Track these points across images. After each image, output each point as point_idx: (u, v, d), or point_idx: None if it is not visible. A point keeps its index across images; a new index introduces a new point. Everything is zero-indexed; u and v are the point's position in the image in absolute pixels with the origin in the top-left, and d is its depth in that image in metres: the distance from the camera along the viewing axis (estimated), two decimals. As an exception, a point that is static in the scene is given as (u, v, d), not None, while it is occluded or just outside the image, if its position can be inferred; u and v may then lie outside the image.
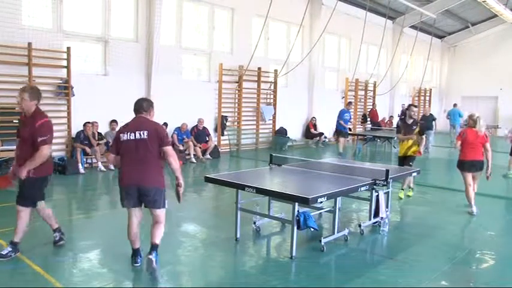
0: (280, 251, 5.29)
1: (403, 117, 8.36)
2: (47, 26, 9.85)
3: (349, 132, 15.44)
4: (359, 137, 17.14)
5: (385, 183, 5.48)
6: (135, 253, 4.50)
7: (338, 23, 16.42)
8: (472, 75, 25.52)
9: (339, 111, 14.29)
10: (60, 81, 10.00)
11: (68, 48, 9.95)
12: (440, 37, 26.12)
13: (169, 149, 4.40)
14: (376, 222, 5.92)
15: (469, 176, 7.00)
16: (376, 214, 5.87)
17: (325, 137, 16.88)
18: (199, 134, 12.48)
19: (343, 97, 18.25)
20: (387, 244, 5.62)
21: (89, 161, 10.37)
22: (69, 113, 10.14)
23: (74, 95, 10.11)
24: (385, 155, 14.26)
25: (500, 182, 10.18)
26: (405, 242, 5.65)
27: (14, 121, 8.31)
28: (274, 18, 14.86)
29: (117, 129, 11.11)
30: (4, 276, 4.23)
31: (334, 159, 9.49)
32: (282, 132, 15.66)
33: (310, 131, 16.76)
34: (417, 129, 7.78)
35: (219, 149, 13.15)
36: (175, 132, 11.98)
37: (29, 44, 9.34)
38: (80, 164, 9.76)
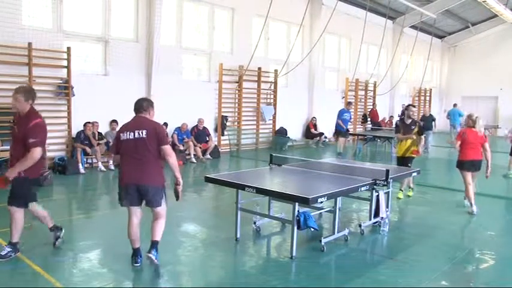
0: (281, 251, 5.29)
1: (402, 117, 8.34)
2: (47, 26, 9.85)
3: (349, 132, 15.46)
4: (359, 137, 17.14)
5: (385, 183, 5.47)
6: (135, 253, 4.51)
7: (338, 23, 16.42)
8: (472, 75, 25.52)
9: (338, 111, 14.31)
10: (60, 81, 10.00)
11: (68, 48, 9.95)
12: (441, 37, 26.12)
13: (167, 148, 4.42)
14: (376, 222, 5.92)
15: (469, 176, 7.04)
16: (376, 214, 5.87)
17: (325, 137, 16.88)
18: (199, 134, 12.48)
19: (343, 97, 18.26)
20: (387, 244, 5.62)
21: (89, 161, 10.37)
22: (69, 113, 10.14)
23: (74, 95, 10.11)
24: (385, 155, 14.25)
25: (500, 182, 10.18)
26: (405, 242, 5.65)
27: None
28: (274, 18, 14.86)
29: (118, 129, 11.18)
30: (4, 276, 4.23)
31: (334, 159, 9.51)
32: (282, 132, 15.66)
33: (310, 131, 16.76)
34: (416, 129, 7.77)
35: (219, 149, 13.15)
36: (176, 132, 11.99)
37: (29, 44, 9.34)
38: (80, 164, 9.76)
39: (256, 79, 14.77)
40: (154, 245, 4.47)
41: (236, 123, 14.41)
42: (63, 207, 7.36)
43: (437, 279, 4.42)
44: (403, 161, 7.72)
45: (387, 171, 5.41)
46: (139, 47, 11.45)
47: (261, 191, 4.93)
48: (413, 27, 20.85)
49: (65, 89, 10.01)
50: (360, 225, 5.82)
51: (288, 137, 15.50)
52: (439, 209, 7.39)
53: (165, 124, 10.90)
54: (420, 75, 22.51)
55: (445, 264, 4.84)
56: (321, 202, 4.72)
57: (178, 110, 12.04)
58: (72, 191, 8.47)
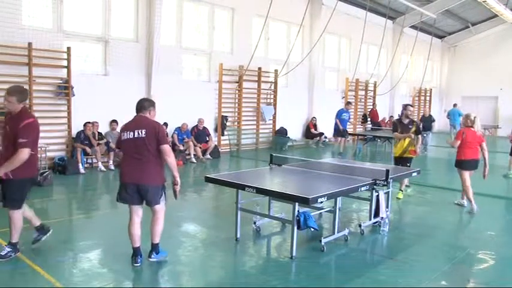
0: (281, 251, 5.29)
1: (400, 116, 8.32)
2: (47, 26, 9.85)
3: (348, 132, 15.45)
4: (359, 137, 17.14)
5: (385, 183, 5.47)
6: (135, 252, 4.52)
7: (338, 23, 16.42)
8: (472, 75, 25.51)
9: (337, 111, 14.31)
10: (60, 81, 10.00)
11: (68, 48, 9.95)
12: (441, 37, 26.12)
13: (166, 147, 4.43)
14: (376, 222, 5.92)
15: (468, 175, 7.13)
16: (376, 214, 5.87)
17: (326, 137, 16.87)
18: (199, 134, 12.48)
19: (344, 97, 18.26)
20: (387, 244, 5.62)
21: (89, 161, 10.37)
22: (69, 113, 10.14)
23: (74, 95, 10.11)
24: (385, 155, 14.24)
25: (500, 182, 10.19)
26: (405, 242, 5.65)
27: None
28: (275, 18, 14.86)
29: (118, 129, 11.23)
30: (4, 276, 4.23)
31: (334, 159, 9.51)
32: (282, 132, 15.66)
33: (310, 131, 16.76)
34: (413, 129, 7.76)
35: (219, 149, 13.15)
36: (176, 132, 11.99)
37: (29, 44, 9.34)
38: (80, 164, 9.76)
39: (256, 79, 14.77)
40: (154, 247, 4.57)
41: (236, 123, 14.41)
42: (63, 207, 7.36)
43: (437, 279, 4.42)
44: (402, 161, 7.71)
45: (387, 171, 5.41)
46: (139, 47, 11.45)
47: (261, 191, 4.92)
48: (413, 27, 20.85)
49: (65, 89, 10.01)
50: (360, 225, 5.82)
51: (288, 137, 15.50)
52: (439, 209, 7.39)
53: (165, 124, 10.89)
54: (420, 75, 22.51)
55: (445, 264, 4.84)
56: (321, 202, 4.72)
57: (178, 110, 12.05)
58: (72, 191, 8.47)
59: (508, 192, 9.30)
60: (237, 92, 14.16)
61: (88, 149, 9.99)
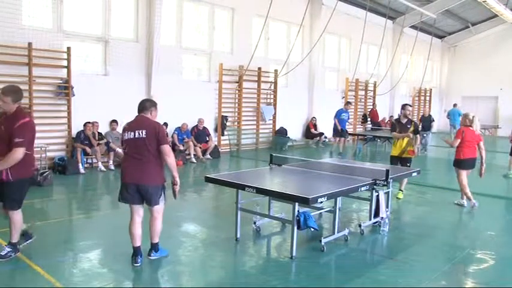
0: (281, 251, 5.29)
1: (398, 116, 8.31)
2: (47, 26, 9.85)
3: (349, 132, 15.46)
4: (359, 137, 17.14)
5: (385, 183, 5.48)
6: (136, 252, 4.53)
7: (338, 23, 16.42)
8: (472, 75, 25.51)
9: (336, 111, 14.30)
10: (60, 81, 10.00)
11: (68, 48, 9.95)
12: (441, 37, 26.12)
13: (166, 147, 4.45)
14: (376, 222, 5.92)
15: (465, 174, 7.24)
16: (376, 214, 5.87)
17: (326, 137, 16.87)
18: (199, 134, 12.49)
19: (343, 97, 18.25)
20: (387, 244, 5.62)
21: (89, 161, 10.37)
22: (69, 113, 10.14)
23: (74, 95, 10.11)
24: (386, 155, 14.21)
25: (500, 182, 10.19)
26: (405, 242, 5.65)
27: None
28: (274, 18, 14.86)
29: (118, 129, 11.24)
30: (4, 276, 4.23)
31: (334, 159, 9.51)
32: (282, 132, 15.66)
33: (310, 131, 16.76)
34: (412, 129, 7.76)
35: (219, 149, 13.15)
36: (176, 132, 11.99)
37: (29, 44, 9.34)
38: (80, 164, 9.76)
39: (256, 79, 14.77)
40: (153, 246, 4.62)
41: (236, 123, 14.41)
42: (63, 207, 7.36)
43: (437, 279, 4.42)
44: (401, 161, 7.70)
45: (387, 171, 5.41)
46: (139, 47, 11.45)
47: (261, 191, 4.92)
48: (413, 27, 20.85)
49: (65, 89, 10.01)
50: (360, 225, 5.82)
51: (288, 137, 15.50)
52: (439, 209, 7.39)
53: (165, 124, 10.89)
54: (420, 75, 22.51)
55: (445, 264, 4.84)
56: (321, 202, 4.72)
57: (178, 110, 12.05)
58: (72, 191, 8.47)
59: (508, 192, 9.30)
60: (237, 92, 14.16)
61: (88, 149, 9.99)
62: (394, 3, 18.45)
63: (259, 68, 14.64)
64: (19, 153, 4.30)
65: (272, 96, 15.50)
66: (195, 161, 11.85)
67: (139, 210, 4.55)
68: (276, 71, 15.20)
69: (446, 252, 5.25)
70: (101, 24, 10.81)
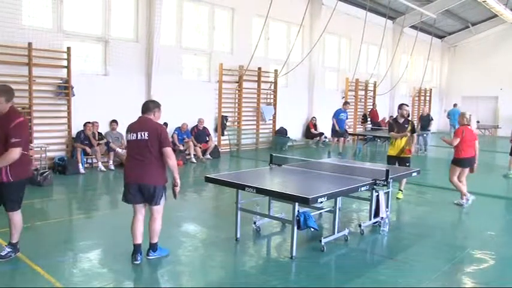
0: (281, 251, 5.29)
1: (395, 116, 8.31)
2: (47, 26, 9.85)
3: (349, 132, 15.44)
4: (359, 137, 17.14)
5: (385, 183, 5.47)
6: (136, 250, 4.57)
7: (338, 23, 16.41)
8: (472, 75, 25.51)
9: (335, 111, 14.28)
10: (60, 81, 9.99)
11: (68, 48, 9.94)
12: (441, 37, 26.11)
13: (168, 150, 4.50)
14: (376, 222, 5.92)
15: (459, 171, 7.36)
16: (376, 214, 5.87)
17: (325, 137, 16.87)
18: (199, 134, 12.49)
19: (343, 97, 18.24)
20: (387, 244, 5.62)
21: (89, 161, 10.36)
22: (69, 113, 10.14)
23: (74, 95, 10.11)
24: (385, 155, 14.22)
25: (500, 182, 10.20)
26: (405, 242, 5.65)
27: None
28: (274, 18, 14.86)
29: (117, 129, 11.23)
30: (4, 276, 4.23)
31: (333, 159, 9.51)
32: (282, 132, 15.66)
33: (310, 131, 16.76)
34: (409, 128, 7.77)
35: (219, 149, 13.15)
36: (176, 132, 11.99)
37: (29, 44, 9.34)
38: (80, 164, 9.76)
39: (256, 79, 14.77)
40: (152, 246, 4.65)
41: (236, 123, 14.41)
42: (63, 207, 7.36)
43: (437, 279, 4.42)
44: (399, 161, 7.70)
45: (387, 171, 5.41)
46: (139, 47, 11.45)
47: (261, 191, 4.92)
48: (413, 27, 20.85)
49: (65, 89, 10.00)
50: (360, 225, 5.82)
51: (288, 137, 15.50)
52: (439, 209, 7.39)
53: (165, 124, 10.89)
54: (420, 75, 22.50)
55: (445, 264, 4.84)
56: (321, 202, 4.72)
57: (178, 110, 12.04)
58: (72, 191, 8.47)
59: (508, 192, 9.30)
60: (237, 92, 14.16)
61: (88, 149, 9.99)
62: (394, 3, 18.44)
63: (259, 68, 14.64)
64: (16, 153, 4.29)
65: (272, 96, 15.50)
66: (195, 161, 11.85)
67: (142, 210, 4.63)
68: (276, 71, 15.20)
69: (446, 252, 5.25)
70: (101, 24, 10.81)
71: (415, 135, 7.98)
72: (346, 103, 14.85)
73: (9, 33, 8.95)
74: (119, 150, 10.46)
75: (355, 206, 7.24)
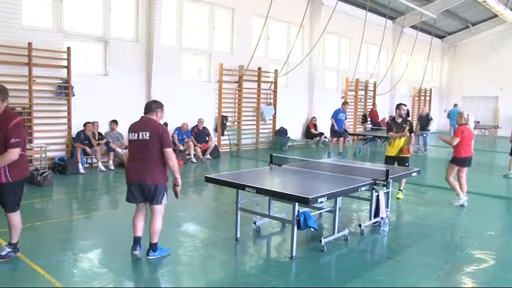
0: (281, 251, 5.29)
1: (393, 116, 8.30)
2: (47, 26, 9.85)
3: (349, 132, 15.42)
4: (359, 137, 17.13)
5: (385, 183, 5.48)
6: (135, 241, 4.70)
7: (338, 23, 16.41)
8: (473, 75, 25.50)
9: (334, 111, 14.28)
10: (60, 81, 9.99)
11: (68, 48, 9.94)
12: (441, 37, 26.11)
13: (169, 151, 4.55)
14: (376, 222, 5.92)
15: (464, 171, 7.41)
16: (376, 214, 5.87)
17: (326, 137, 16.86)
18: (199, 134, 12.49)
19: (343, 97, 18.24)
20: (387, 244, 5.61)
21: (89, 161, 10.36)
22: (69, 113, 10.14)
23: (74, 95, 10.11)
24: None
25: (500, 182, 10.20)
26: (405, 242, 5.65)
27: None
28: (274, 18, 14.86)
29: (117, 129, 11.23)
30: (4, 276, 4.23)
31: (332, 159, 9.51)
32: (282, 132, 15.66)
33: (310, 131, 16.76)
34: (407, 128, 7.77)
35: (219, 149, 13.15)
36: (176, 132, 11.99)
37: (29, 44, 9.33)
38: (80, 164, 9.75)
39: (256, 79, 14.76)
40: (151, 246, 4.67)
41: (236, 123, 14.41)
42: (63, 207, 7.35)
43: (437, 279, 4.42)
44: (398, 161, 7.69)
45: (387, 171, 5.41)
46: (139, 47, 11.45)
47: (261, 191, 4.93)
48: (413, 27, 20.84)
49: (65, 89, 10.00)
50: (360, 225, 5.82)
51: (288, 137, 15.49)
52: (439, 209, 7.39)
53: (165, 124, 10.87)
54: (420, 75, 22.50)
55: (445, 264, 4.84)
56: (321, 202, 4.73)
57: (178, 110, 12.03)
58: (72, 191, 8.46)
59: (508, 192, 9.30)
60: (237, 92, 14.16)
61: (88, 149, 9.99)
62: (394, 3, 18.44)
63: (259, 68, 14.64)
64: (15, 153, 4.29)
65: (272, 96, 15.50)
66: (195, 161, 11.86)
67: (144, 207, 4.73)
68: (276, 71, 15.20)
69: (446, 252, 5.25)
70: (101, 24, 10.80)
71: (413, 134, 7.98)
72: (344, 103, 14.85)
73: (9, 33, 8.94)
74: (119, 150, 10.46)
75: (355, 206, 7.24)
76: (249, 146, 14.73)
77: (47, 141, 9.52)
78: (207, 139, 12.66)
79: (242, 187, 5.00)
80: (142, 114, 4.74)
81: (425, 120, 15.29)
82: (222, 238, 5.50)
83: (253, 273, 4.56)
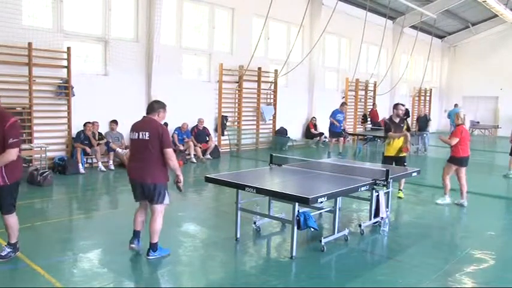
0: (281, 251, 5.29)
1: (390, 116, 8.30)
2: (47, 26, 9.85)
3: (348, 132, 15.41)
4: (359, 137, 17.13)
5: (385, 183, 5.48)
6: (134, 235, 4.77)
7: (338, 23, 16.40)
8: (473, 75, 25.50)
9: (332, 111, 14.26)
10: (60, 81, 9.99)
11: (68, 48, 9.94)
12: (441, 37, 26.11)
13: (169, 151, 4.58)
14: (376, 222, 5.92)
15: (463, 170, 7.45)
16: (376, 214, 5.87)
17: (325, 137, 16.85)
18: (199, 134, 12.49)
19: (343, 97, 18.24)
20: (387, 244, 5.61)
21: (89, 161, 10.36)
22: (69, 113, 10.13)
23: (74, 95, 10.10)
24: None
25: (500, 182, 10.19)
26: (405, 242, 5.65)
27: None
28: (274, 18, 14.86)
29: (117, 129, 11.23)
30: (4, 276, 4.23)
31: (334, 159, 9.51)
32: (282, 132, 15.65)
33: (310, 131, 16.76)
34: (405, 127, 7.79)
35: (219, 149, 13.15)
36: (176, 132, 11.99)
37: (29, 44, 9.33)
38: (80, 164, 9.75)
39: (256, 79, 14.76)
40: (151, 246, 4.68)
41: (236, 123, 14.41)
42: (63, 207, 7.36)
43: (437, 279, 4.42)
44: (396, 161, 7.68)
45: (387, 171, 5.41)
46: (140, 47, 11.45)
47: (261, 191, 4.93)
48: (413, 27, 20.84)
49: (65, 89, 10.00)
50: (360, 225, 5.82)
51: (288, 137, 15.49)
52: (439, 209, 7.39)
53: (166, 124, 10.86)
54: (420, 75, 22.50)
55: (445, 264, 4.84)
56: (321, 202, 4.73)
57: (178, 110, 11.99)
58: (72, 191, 8.46)
59: (508, 192, 9.30)
60: (237, 92, 14.16)
61: (88, 149, 9.98)
62: (394, 3, 18.44)
63: (259, 68, 14.64)
64: (13, 154, 4.29)
65: (272, 96, 15.50)
66: (195, 161, 11.85)
67: (146, 206, 4.81)
68: (276, 71, 15.20)
69: (446, 252, 5.25)
70: (101, 24, 10.80)
71: (409, 133, 7.99)
72: (343, 104, 14.84)
73: (9, 33, 8.94)
74: (119, 150, 10.46)
75: (355, 206, 7.24)
76: (249, 146, 14.73)
77: (47, 141, 9.52)
78: (207, 139, 12.66)
79: (242, 187, 5.00)
80: (144, 114, 4.77)
81: (423, 121, 15.28)
82: (222, 238, 5.50)
83: (253, 273, 4.56)
